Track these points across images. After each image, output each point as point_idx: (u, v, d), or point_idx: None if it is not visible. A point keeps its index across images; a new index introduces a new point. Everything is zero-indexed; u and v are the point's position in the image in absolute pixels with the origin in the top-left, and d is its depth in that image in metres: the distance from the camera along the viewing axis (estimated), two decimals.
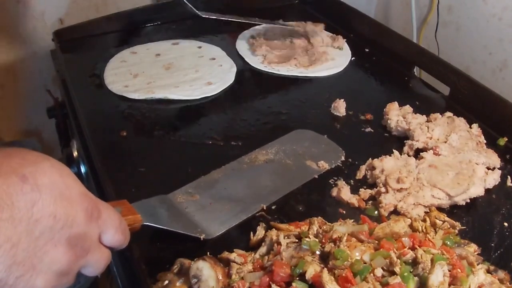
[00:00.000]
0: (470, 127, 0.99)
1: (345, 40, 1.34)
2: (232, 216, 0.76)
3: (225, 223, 0.75)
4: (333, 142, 0.95)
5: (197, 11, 0.99)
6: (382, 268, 0.63)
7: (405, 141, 0.97)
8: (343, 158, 0.91)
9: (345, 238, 0.67)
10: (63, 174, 0.48)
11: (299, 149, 0.90)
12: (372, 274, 0.62)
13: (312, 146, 0.92)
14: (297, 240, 0.71)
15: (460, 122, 0.99)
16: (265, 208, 0.79)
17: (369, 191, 0.86)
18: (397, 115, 1.00)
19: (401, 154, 0.92)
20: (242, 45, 1.33)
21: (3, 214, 0.42)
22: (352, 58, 1.29)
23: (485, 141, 0.97)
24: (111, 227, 0.53)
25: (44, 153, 0.50)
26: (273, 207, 0.82)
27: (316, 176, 0.87)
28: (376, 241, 0.69)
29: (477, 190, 0.85)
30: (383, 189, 0.84)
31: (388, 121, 1.00)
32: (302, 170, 0.87)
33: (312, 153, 0.90)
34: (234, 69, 1.21)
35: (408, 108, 1.03)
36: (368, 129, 1.03)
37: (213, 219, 0.75)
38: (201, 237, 0.71)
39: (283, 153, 0.88)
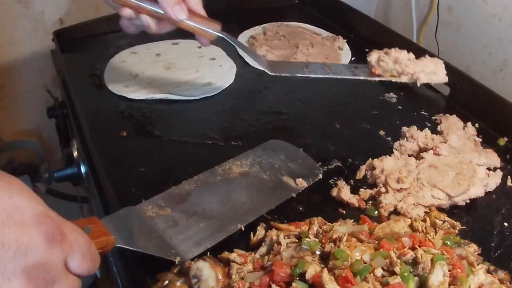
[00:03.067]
0: (465, 126, 1.00)
1: (345, 40, 1.34)
2: (208, 236, 0.70)
3: (201, 244, 0.69)
4: (309, 157, 0.90)
5: (267, 71, 0.92)
6: (382, 268, 0.63)
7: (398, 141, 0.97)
8: (320, 176, 0.87)
9: (345, 238, 0.67)
10: (12, 194, 0.41)
11: (275, 163, 0.85)
12: (372, 274, 0.62)
13: (288, 161, 0.86)
14: (297, 240, 0.71)
15: (456, 120, 1.00)
16: (243, 228, 0.74)
17: (369, 191, 0.86)
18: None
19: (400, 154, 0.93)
20: None
21: None
22: (352, 58, 1.29)
23: (480, 140, 0.97)
24: (78, 252, 0.46)
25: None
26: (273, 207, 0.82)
27: (294, 195, 0.82)
28: (376, 241, 0.69)
29: (477, 191, 0.85)
30: (383, 189, 0.84)
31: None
32: (280, 187, 0.81)
33: (289, 169, 0.85)
34: (234, 69, 1.21)
35: None
36: (369, 128, 1.03)
37: (187, 238, 0.69)
38: (176, 260, 0.66)
39: (259, 165, 0.83)
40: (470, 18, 1.39)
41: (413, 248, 0.67)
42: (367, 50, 1.32)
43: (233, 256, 0.69)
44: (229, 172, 0.79)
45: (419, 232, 0.74)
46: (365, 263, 0.63)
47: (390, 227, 0.72)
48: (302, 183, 0.83)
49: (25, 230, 0.41)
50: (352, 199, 0.83)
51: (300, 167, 0.86)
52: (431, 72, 0.91)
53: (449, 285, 0.62)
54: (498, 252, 0.76)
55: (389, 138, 1.00)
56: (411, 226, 0.75)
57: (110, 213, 0.79)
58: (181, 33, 1.34)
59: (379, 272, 0.62)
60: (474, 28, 1.38)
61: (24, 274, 0.40)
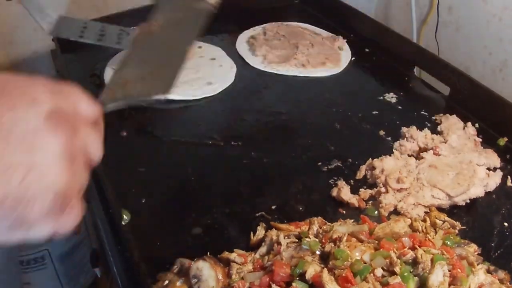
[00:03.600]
0: (465, 126, 1.00)
1: (345, 40, 1.34)
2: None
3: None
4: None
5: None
6: (382, 268, 0.63)
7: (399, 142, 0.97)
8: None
9: (345, 238, 0.67)
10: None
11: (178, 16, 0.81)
12: (372, 274, 0.62)
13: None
14: (297, 240, 0.71)
15: (456, 120, 1.00)
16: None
17: (369, 191, 0.86)
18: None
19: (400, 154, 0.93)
20: (242, 45, 1.32)
21: None
22: (352, 58, 1.30)
23: (480, 140, 0.97)
24: (79, 94, 0.46)
25: None
26: (273, 207, 0.82)
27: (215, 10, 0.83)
28: (376, 241, 0.69)
29: (477, 191, 0.85)
30: (383, 189, 0.84)
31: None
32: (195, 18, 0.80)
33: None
34: (234, 69, 1.21)
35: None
36: (369, 128, 1.03)
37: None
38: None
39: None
40: (470, 18, 1.39)
41: (413, 248, 0.67)
42: (367, 50, 1.33)
43: (233, 256, 0.69)
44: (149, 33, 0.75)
45: (419, 232, 0.74)
46: (365, 263, 0.63)
47: (390, 227, 0.72)
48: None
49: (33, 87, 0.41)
50: (352, 199, 0.83)
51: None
52: None
53: (449, 285, 0.62)
54: (498, 252, 0.76)
55: (389, 138, 1.00)
56: (411, 226, 0.75)
57: (110, 212, 0.79)
58: None
59: (379, 272, 0.62)
60: (474, 28, 1.38)
61: (47, 120, 0.39)
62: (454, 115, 1.04)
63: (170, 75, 0.67)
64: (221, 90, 1.14)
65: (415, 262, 0.64)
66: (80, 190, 0.43)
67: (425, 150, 0.93)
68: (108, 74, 1.18)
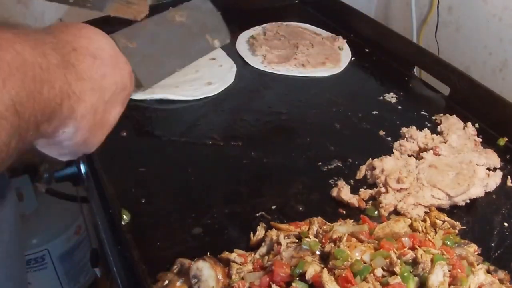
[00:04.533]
0: (465, 126, 1.00)
1: (345, 40, 1.34)
2: (165, 69, 0.82)
3: (160, 74, 0.81)
4: (223, 22, 0.95)
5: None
6: (382, 268, 0.63)
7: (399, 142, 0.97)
8: (228, 41, 0.92)
9: (345, 238, 0.67)
10: (113, 47, 0.57)
11: (202, 19, 0.92)
12: (372, 274, 0.62)
13: (211, 18, 0.93)
14: (297, 240, 0.71)
15: (456, 120, 1.00)
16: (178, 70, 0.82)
17: (369, 191, 0.86)
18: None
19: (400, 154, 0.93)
20: (242, 45, 1.32)
21: (87, 85, 0.51)
22: (352, 58, 1.30)
23: (480, 140, 0.97)
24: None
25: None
26: (273, 207, 0.82)
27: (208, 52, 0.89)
28: (376, 241, 0.69)
29: (477, 191, 0.85)
30: (383, 189, 0.84)
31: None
32: (202, 43, 0.90)
33: (210, 28, 0.92)
34: (234, 69, 1.21)
35: None
36: (369, 128, 1.03)
37: (151, 71, 0.78)
38: (141, 88, 0.75)
39: (192, 19, 0.90)
40: (470, 18, 1.39)
41: (413, 248, 0.67)
42: (367, 50, 1.33)
43: (233, 256, 0.69)
44: (172, 20, 0.87)
45: (419, 232, 0.74)
46: (365, 263, 0.63)
47: (390, 227, 0.72)
48: (217, 44, 0.91)
49: (123, 73, 0.58)
50: (352, 199, 0.83)
51: (217, 28, 0.94)
52: None
53: (449, 285, 0.62)
54: (498, 252, 0.76)
55: (389, 138, 1.00)
56: (411, 226, 0.75)
57: (110, 212, 0.79)
58: None
59: (379, 272, 0.62)
60: (474, 28, 1.38)
61: (121, 103, 0.59)
62: (454, 115, 1.04)
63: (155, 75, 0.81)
64: (221, 90, 1.14)
65: (415, 262, 0.64)
66: None
67: (425, 150, 0.93)
68: None
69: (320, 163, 0.93)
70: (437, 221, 0.78)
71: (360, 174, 0.90)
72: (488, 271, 0.68)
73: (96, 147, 0.58)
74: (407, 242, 0.68)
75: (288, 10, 1.54)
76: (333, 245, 0.66)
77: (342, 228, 0.71)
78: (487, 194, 0.87)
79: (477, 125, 1.01)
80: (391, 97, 1.14)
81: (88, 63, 0.52)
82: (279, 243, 0.69)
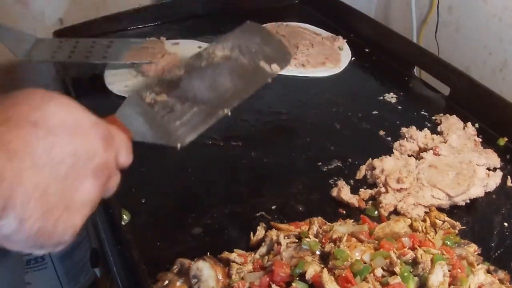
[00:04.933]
0: (465, 126, 1.00)
1: (345, 40, 1.34)
2: (201, 120, 0.73)
3: (196, 128, 0.72)
4: (282, 41, 0.92)
5: None
6: (382, 268, 0.63)
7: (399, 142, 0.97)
8: (289, 62, 0.89)
9: (345, 238, 0.67)
10: (70, 110, 0.48)
11: (252, 46, 0.85)
12: (372, 274, 0.62)
13: (264, 44, 0.87)
14: (297, 240, 0.71)
15: (456, 120, 1.00)
16: (229, 114, 0.75)
17: (369, 191, 0.86)
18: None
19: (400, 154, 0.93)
20: None
21: (25, 163, 0.42)
22: (352, 58, 1.29)
23: (480, 140, 0.97)
24: (123, 148, 0.55)
25: None
26: (273, 207, 0.82)
27: (270, 80, 0.83)
28: (376, 241, 0.69)
29: (477, 191, 0.85)
30: (383, 189, 0.84)
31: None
32: (257, 72, 0.83)
33: (264, 53, 0.86)
34: None
35: None
36: (369, 128, 1.03)
37: (183, 124, 0.71)
38: (178, 146, 0.68)
39: (238, 49, 0.84)
40: (470, 18, 1.39)
41: (413, 248, 0.67)
42: (367, 50, 1.33)
43: (233, 256, 0.69)
44: (213, 57, 0.81)
45: (419, 232, 0.74)
46: (365, 263, 0.63)
47: (390, 227, 0.72)
48: (276, 69, 0.84)
49: (88, 139, 0.48)
50: (352, 199, 0.83)
51: (274, 51, 0.87)
52: None
53: (449, 285, 0.62)
54: (498, 252, 0.76)
55: (389, 138, 1.00)
56: (411, 226, 0.75)
57: (110, 212, 0.79)
58: (181, 33, 1.35)
59: (379, 272, 0.62)
60: (474, 28, 1.38)
61: (93, 174, 0.48)
62: (454, 115, 1.04)
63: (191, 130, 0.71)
64: None
65: (415, 262, 0.64)
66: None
67: (425, 150, 0.93)
68: (109, 74, 1.17)
69: (320, 163, 0.93)
70: (437, 221, 0.78)
71: (360, 174, 0.90)
72: (488, 271, 0.68)
73: (72, 234, 0.47)
74: (407, 242, 0.68)
75: (288, 10, 1.54)
76: (333, 245, 0.66)
77: (342, 228, 0.71)
78: (487, 194, 0.87)
79: (477, 125, 1.01)
80: (391, 97, 1.14)
81: (26, 135, 0.43)
82: (279, 243, 0.69)
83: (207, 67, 0.79)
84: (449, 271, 0.63)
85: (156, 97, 0.71)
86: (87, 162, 0.47)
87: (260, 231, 0.75)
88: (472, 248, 0.73)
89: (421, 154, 0.92)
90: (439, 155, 0.91)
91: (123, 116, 0.66)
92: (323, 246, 0.67)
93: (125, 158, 0.55)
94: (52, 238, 0.45)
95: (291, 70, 1.22)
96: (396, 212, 0.82)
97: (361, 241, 0.69)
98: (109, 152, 0.50)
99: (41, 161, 0.43)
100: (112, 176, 0.52)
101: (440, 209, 0.83)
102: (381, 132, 1.02)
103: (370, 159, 0.91)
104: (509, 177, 0.90)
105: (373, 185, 0.87)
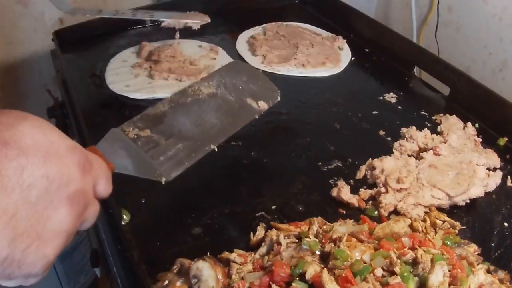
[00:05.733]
0: (465, 126, 1.00)
1: (345, 40, 1.34)
2: (186, 155, 0.72)
3: (181, 164, 0.71)
4: (268, 79, 0.93)
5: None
6: (382, 268, 0.63)
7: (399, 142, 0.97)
8: (279, 99, 0.89)
9: (345, 238, 0.67)
10: (45, 131, 0.45)
11: (239, 84, 0.86)
12: (372, 274, 0.62)
13: (250, 82, 0.88)
14: (297, 240, 0.71)
15: (456, 120, 1.00)
16: (216, 149, 0.76)
17: (369, 191, 0.86)
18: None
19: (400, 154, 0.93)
20: (242, 45, 1.33)
21: None
22: (352, 58, 1.30)
23: (480, 140, 0.97)
24: (103, 176, 0.51)
25: None
26: (273, 207, 0.82)
27: (257, 117, 0.84)
28: (376, 241, 0.69)
29: (477, 191, 0.85)
30: (383, 189, 0.84)
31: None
32: (244, 109, 0.84)
33: (251, 90, 0.87)
34: None
35: None
36: (369, 128, 1.03)
37: (168, 159, 0.70)
38: (162, 180, 0.68)
39: (224, 87, 0.84)
40: (470, 18, 1.39)
41: (413, 248, 0.67)
42: (367, 50, 1.33)
43: (233, 256, 0.69)
44: (198, 93, 0.81)
45: (419, 232, 0.74)
46: (365, 263, 0.63)
47: (390, 227, 0.72)
48: (263, 105, 0.85)
49: (63, 163, 0.44)
50: (352, 199, 0.83)
51: (260, 89, 0.89)
52: None
53: (449, 285, 0.62)
54: (498, 252, 0.76)
55: (389, 138, 1.00)
56: (411, 226, 0.75)
57: (110, 212, 0.79)
58: (181, 33, 1.35)
59: (379, 272, 0.62)
60: (474, 28, 1.38)
61: (68, 201, 0.44)
62: (454, 115, 1.04)
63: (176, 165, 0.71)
64: None
65: (415, 262, 0.64)
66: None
67: (425, 150, 0.93)
68: (109, 73, 1.18)
69: (320, 163, 0.93)
70: (437, 221, 0.78)
71: (360, 174, 0.90)
72: (488, 271, 0.68)
73: (43, 266, 0.44)
74: (407, 242, 0.68)
75: (288, 10, 1.54)
76: (333, 245, 0.66)
77: (342, 228, 0.71)
78: (487, 194, 0.87)
79: (477, 125, 1.01)
80: (391, 97, 1.14)
81: None
82: (279, 243, 0.69)
83: (192, 102, 0.79)
84: (449, 271, 0.63)
85: (139, 132, 0.70)
86: (61, 188, 0.44)
87: (260, 231, 0.75)
88: (472, 248, 0.73)
89: (421, 154, 0.92)
90: (439, 155, 0.91)
91: (104, 148, 0.63)
92: (323, 246, 0.67)
93: (104, 187, 0.51)
94: (21, 268, 0.42)
95: (291, 70, 1.23)
96: (396, 212, 0.82)
97: (361, 241, 0.69)
98: (86, 179, 0.47)
99: (10, 184, 0.40)
100: (89, 205, 0.48)
101: (440, 209, 0.83)
102: (381, 132, 1.02)
103: (370, 159, 0.91)
104: (509, 177, 0.90)
105: (373, 185, 0.87)
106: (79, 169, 0.46)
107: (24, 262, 0.42)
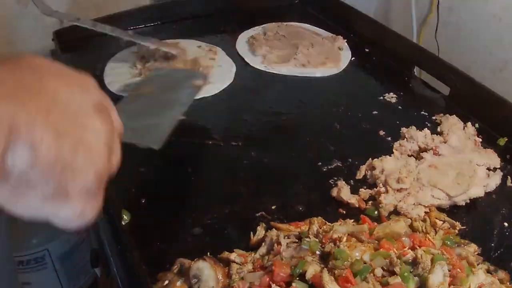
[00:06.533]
0: (465, 126, 1.00)
1: (345, 40, 1.34)
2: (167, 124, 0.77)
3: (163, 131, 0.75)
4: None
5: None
6: (382, 268, 0.63)
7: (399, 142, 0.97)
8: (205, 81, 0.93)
9: (345, 238, 0.67)
10: (68, 70, 0.47)
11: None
12: (372, 274, 0.62)
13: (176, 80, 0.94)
14: (297, 240, 0.71)
15: (456, 120, 1.00)
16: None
17: (369, 191, 0.86)
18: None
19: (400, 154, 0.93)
20: (242, 45, 1.32)
21: (19, 91, 0.39)
22: (352, 58, 1.29)
23: (480, 140, 0.97)
24: (115, 114, 0.50)
25: None
26: (273, 207, 0.82)
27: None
28: (376, 241, 0.69)
29: (477, 191, 0.85)
30: (383, 189, 0.84)
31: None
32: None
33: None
34: (234, 69, 1.21)
35: None
36: (369, 128, 1.03)
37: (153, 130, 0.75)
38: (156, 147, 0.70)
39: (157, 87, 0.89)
40: (470, 18, 1.39)
41: (413, 248, 0.67)
42: (367, 50, 1.33)
43: (233, 256, 0.69)
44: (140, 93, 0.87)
45: (419, 232, 0.74)
46: (365, 263, 0.63)
47: (390, 227, 0.72)
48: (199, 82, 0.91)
49: (85, 86, 0.46)
50: (352, 199, 0.83)
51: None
52: None
53: (449, 285, 0.62)
54: (498, 252, 0.76)
55: (389, 138, 1.00)
56: (411, 226, 0.75)
57: (110, 212, 0.79)
58: (181, 32, 1.35)
59: (379, 272, 0.62)
60: (474, 28, 1.38)
61: (96, 112, 0.44)
62: (454, 115, 1.04)
63: (160, 133, 0.74)
64: (221, 90, 1.14)
65: (415, 262, 0.64)
66: (105, 181, 0.45)
67: (425, 150, 0.93)
68: (109, 74, 1.18)
69: (320, 163, 0.93)
70: (437, 221, 0.78)
71: (360, 174, 0.90)
72: (488, 271, 0.68)
73: (95, 172, 0.42)
74: (407, 242, 0.68)
75: (288, 10, 1.54)
76: (333, 245, 0.66)
77: (342, 228, 0.71)
78: (487, 194, 0.87)
79: (477, 125, 1.01)
80: (391, 97, 1.14)
81: (19, 73, 0.41)
82: (279, 243, 0.69)
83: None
84: (449, 271, 0.63)
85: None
86: (85, 96, 0.44)
87: (260, 231, 0.75)
88: (472, 248, 0.73)
89: (421, 154, 0.92)
90: (439, 155, 0.91)
91: None
92: (323, 246, 0.67)
93: (118, 122, 0.50)
94: (75, 177, 0.39)
95: (291, 70, 1.23)
96: (396, 212, 0.82)
97: (361, 241, 0.69)
98: (102, 95, 0.47)
99: (35, 89, 0.39)
100: (113, 120, 0.47)
101: (440, 209, 0.83)
102: (381, 132, 1.02)
103: (370, 159, 0.91)
104: (509, 177, 0.90)
105: (373, 185, 0.87)
106: (96, 85, 0.48)
107: (76, 166, 0.39)
